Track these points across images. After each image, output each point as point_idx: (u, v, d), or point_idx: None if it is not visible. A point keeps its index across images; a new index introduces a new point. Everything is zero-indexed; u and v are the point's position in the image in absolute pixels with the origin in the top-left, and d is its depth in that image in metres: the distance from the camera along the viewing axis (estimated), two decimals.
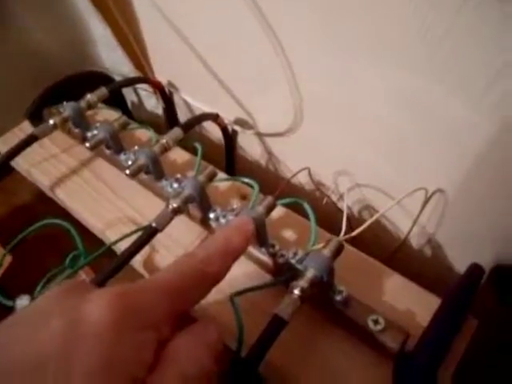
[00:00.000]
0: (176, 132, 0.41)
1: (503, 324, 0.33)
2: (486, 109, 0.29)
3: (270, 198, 0.34)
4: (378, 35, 0.31)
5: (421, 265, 0.45)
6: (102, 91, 0.47)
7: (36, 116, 0.51)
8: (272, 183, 0.45)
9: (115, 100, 0.56)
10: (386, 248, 0.45)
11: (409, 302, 0.34)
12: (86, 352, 0.17)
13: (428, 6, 0.26)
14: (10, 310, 0.32)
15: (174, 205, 0.34)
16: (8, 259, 0.44)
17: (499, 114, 0.28)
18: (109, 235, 0.41)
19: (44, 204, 0.52)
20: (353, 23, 0.31)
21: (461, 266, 0.41)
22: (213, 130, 0.58)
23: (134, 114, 0.65)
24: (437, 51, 0.28)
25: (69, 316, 0.18)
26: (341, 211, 0.46)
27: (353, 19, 0.31)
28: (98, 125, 0.45)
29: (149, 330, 0.19)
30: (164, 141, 0.40)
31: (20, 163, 0.49)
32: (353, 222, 0.41)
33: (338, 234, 0.39)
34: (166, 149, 0.40)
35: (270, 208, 0.33)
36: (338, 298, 0.30)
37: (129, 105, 0.65)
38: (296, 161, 0.49)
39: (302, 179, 0.49)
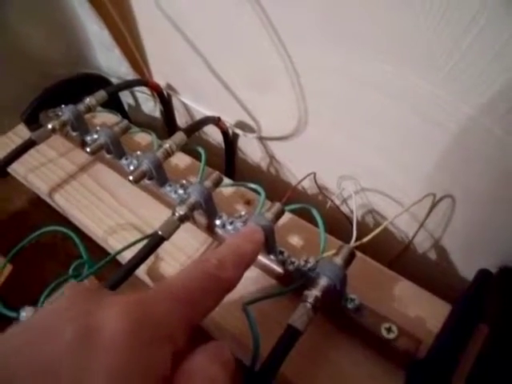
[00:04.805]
0: (179, 136, 0.40)
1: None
2: (494, 115, 0.29)
3: (278, 205, 0.33)
4: (388, 39, 0.30)
5: (425, 269, 0.44)
6: (101, 94, 0.46)
7: (32, 119, 0.50)
8: (273, 187, 0.44)
9: (112, 102, 0.55)
10: (389, 252, 0.45)
11: (418, 309, 0.33)
12: (99, 362, 0.16)
13: (442, 12, 0.26)
14: (12, 322, 0.31)
15: (181, 212, 0.33)
16: (8, 268, 0.42)
17: (506, 120, 0.28)
18: (111, 242, 0.40)
19: (40, 211, 0.51)
20: (360, 26, 0.31)
21: (466, 269, 0.41)
22: (212, 133, 0.57)
23: (131, 117, 0.63)
24: (447, 58, 0.28)
25: (82, 323, 0.18)
26: (344, 216, 0.46)
27: (360, 22, 0.31)
28: (98, 129, 0.44)
29: (164, 341, 0.19)
30: (167, 145, 0.39)
31: (16, 169, 0.47)
32: (357, 227, 0.40)
33: (340, 237, 0.38)
34: (169, 154, 0.39)
35: (279, 215, 0.33)
36: (350, 306, 0.30)
37: (126, 107, 0.64)
38: (299, 165, 0.49)
39: (305, 183, 0.49)
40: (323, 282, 0.28)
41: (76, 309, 0.19)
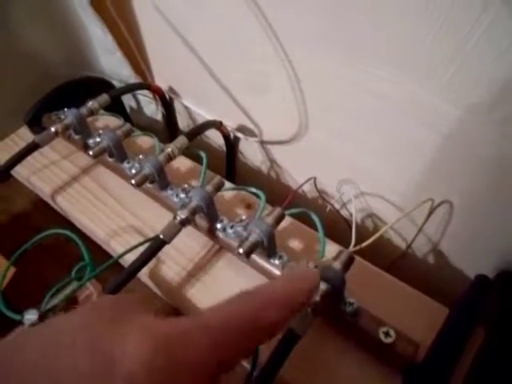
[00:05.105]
0: (181, 140, 0.41)
1: (509, 331, 0.33)
2: (492, 120, 0.29)
3: (278, 210, 0.34)
4: (388, 46, 0.31)
5: (423, 273, 0.45)
6: (104, 98, 0.47)
7: (34, 122, 0.50)
8: (273, 191, 0.45)
9: (114, 105, 0.55)
10: (388, 256, 0.45)
11: (416, 313, 0.34)
12: None
13: (443, 19, 0.26)
14: (16, 324, 0.32)
15: (182, 216, 0.34)
16: (12, 270, 0.43)
17: (504, 126, 0.29)
18: (113, 245, 0.41)
19: (42, 213, 0.51)
20: (360, 32, 0.31)
21: (464, 273, 0.42)
22: (213, 137, 0.57)
23: (133, 120, 0.64)
24: (447, 65, 0.28)
25: (96, 349, 0.16)
26: (344, 219, 0.46)
27: (361, 28, 0.31)
28: (100, 132, 0.44)
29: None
30: (169, 149, 0.39)
31: (19, 171, 0.48)
32: (356, 231, 0.41)
33: (340, 241, 0.39)
34: (171, 157, 0.40)
35: (279, 219, 0.33)
36: (349, 309, 0.31)
37: (128, 110, 0.64)
38: (299, 169, 0.49)
39: (305, 187, 0.49)
40: (322, 286, 0.28)
41: (90, 331, 0.17)
